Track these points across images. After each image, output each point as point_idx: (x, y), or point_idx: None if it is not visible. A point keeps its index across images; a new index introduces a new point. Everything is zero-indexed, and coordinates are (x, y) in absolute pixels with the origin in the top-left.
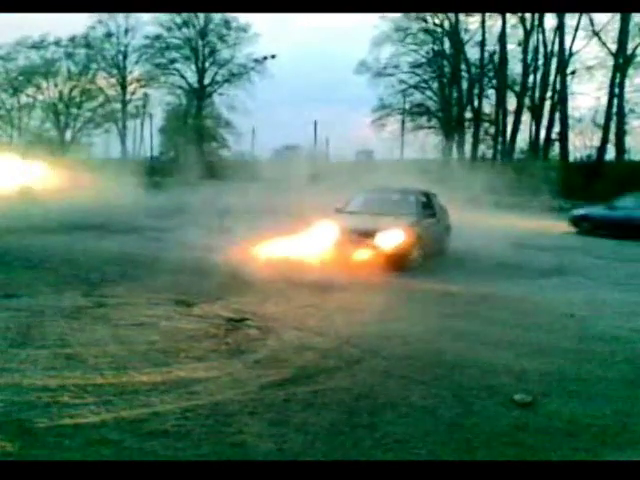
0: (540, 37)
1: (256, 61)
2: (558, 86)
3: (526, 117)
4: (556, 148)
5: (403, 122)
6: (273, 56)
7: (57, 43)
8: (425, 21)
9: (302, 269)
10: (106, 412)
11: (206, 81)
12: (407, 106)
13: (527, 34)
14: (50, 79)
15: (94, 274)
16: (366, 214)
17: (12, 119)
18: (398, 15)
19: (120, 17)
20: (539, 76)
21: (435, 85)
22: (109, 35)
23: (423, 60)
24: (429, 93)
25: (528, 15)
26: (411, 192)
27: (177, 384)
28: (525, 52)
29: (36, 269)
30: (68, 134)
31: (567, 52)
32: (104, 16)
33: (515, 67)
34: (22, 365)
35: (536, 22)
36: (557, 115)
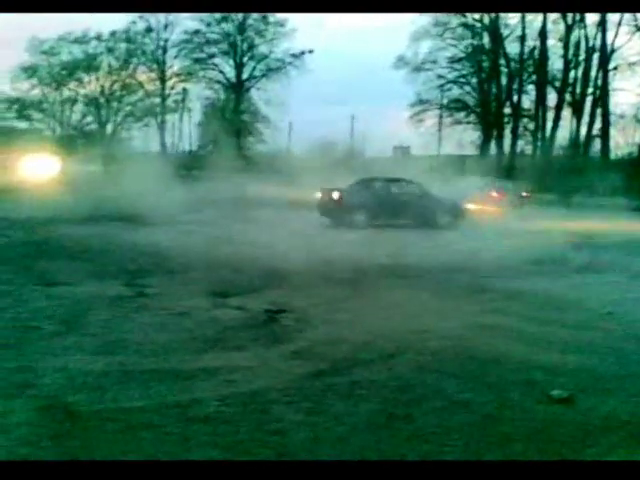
0: (582, 32)
1: (293, 56)
2: (599, 82)
3: (566, 113)
4: (597, 145)
5: (441, 117)
6: (311, 51)
7: (99, 38)
8: (464, 16)
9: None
10: (148, 397)
11: (244, 76)
12: (445, 101)
13: (568, 29)
14: (92, 73)
15: (132, 265)
16: None
17: (55, 113)
18: None
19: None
20: (580, 72)
21: (474, 80)
22: (149, 30)
23: (462, 55)
24: (467, 88)
25: None
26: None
27: (216, 372)
28: (566, 48)
29: (75, 259)
30: (109, 128)
31: (609, 48)
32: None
33: (556, 63)
34: (67, 350)
35: (577, 17)
36: (598, 111)
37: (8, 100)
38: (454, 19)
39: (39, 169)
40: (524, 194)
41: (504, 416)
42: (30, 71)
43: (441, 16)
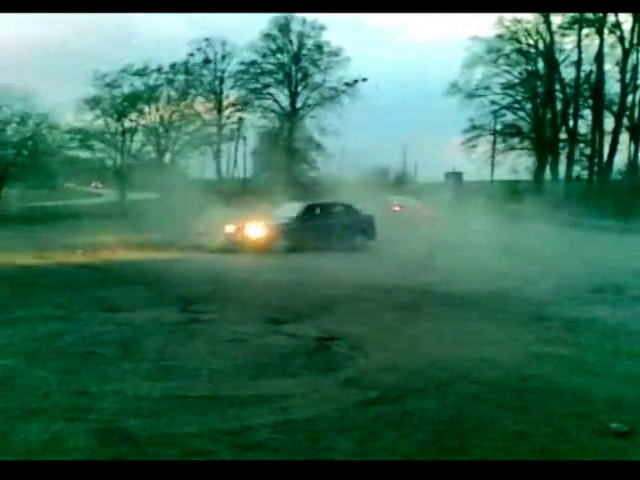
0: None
1: (347, 84)
2: None
3: (624, 137)
4: None
5: (494, 143)
6: (364, 79)
7: (159, 70)
8: (519, 42)
9: None
10: (202, 423)
11: (298, 104)
12: (498, 127)
13: (626, 53)
14: (152, 104)
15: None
16: None
17: (116, 143)
18: (490, 36)
19: (217, 44)
20: (638, 96)
21: (528, 106)
22: (207, 62)
23: (516, 81)
24: (522, 114)
25: (627, 34)
26: None
27: (269, 399)
28: (623, 71)
29: (132, 285)
30: (167, 156)
31: None
32: (202, 44)
33: (612, 87)
34: (125, 375)
35: (635, 41)
36: None
37: (72, 130)
38: (508, 45)
39: None
40: (425, 212)
41: (561, 449)
42: (93, 103)
43: (494, 42)
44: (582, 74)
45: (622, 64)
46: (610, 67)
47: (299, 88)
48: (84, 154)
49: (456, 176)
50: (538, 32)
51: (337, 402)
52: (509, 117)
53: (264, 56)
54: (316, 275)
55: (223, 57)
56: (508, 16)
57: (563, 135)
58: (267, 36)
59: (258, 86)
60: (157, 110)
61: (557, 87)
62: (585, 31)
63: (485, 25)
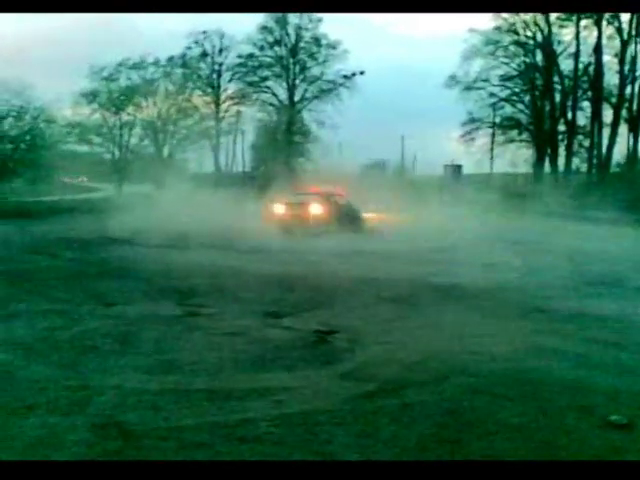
0: (638, 48)
1: (345, 77)
2: None
3: (623, 129)
4: None
5: (493, 136)
6: (362, 72)
7: (156, 63)
8: (517, 34)
9: None
10: (200, 417)
11: (296, 98)
12: (497, 119)
13: (624, 45)
14: (149, 98)
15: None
16: None
17: (114, 137)
18: (488, 28)
19: (215, 37)
20: (637, 87)
21: (527, 98)
22: (204, 55)
23: (514, 73)
24: (520, 106)
25: (625, 25)
26: None
27: (267, 392)
28: (622, 63)
29: (131, 279)
30: (165, 150)
31: None
32: (200, 37)
33: (611, 78)
34: (123, 369)
35: (633, 33)
36: None
37: (70, 125)
38: (506, 37)
39: None
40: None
41: (559, 442)
42: (90, 97)
43: (493, 34)
44: (580, 66)
45: (620, 55)
46: (609, 59)
47: (297, 81)
48: (81, 148)
49: (455, 168)
50: (536, 24)
51: (336, 396)
52: (508, 109)
53: (261, 49)
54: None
55: (220, 50)
56: None
57: (562, 127)
58: (264, 29)
59: (256, 79)
60: (155, 104)
61: (556, 79)
62: (583, 23)
63: (483, 18)
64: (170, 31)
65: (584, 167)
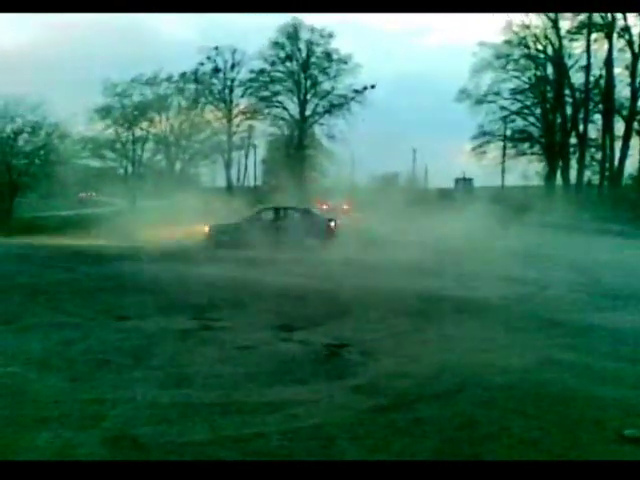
0: None
1: (356, 91)
2: None
3: (635, 142)
4: None
5: (504, 149)
6: (373, 86)
7: (169, 79)
8: (527, 47)
9: None
10: (212, 431)
11: (307, 112)
12: (508, 132)
13: (635, 57)
14: (162, 113)
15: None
16: None
17: (127, 152)
18: (499, 42)
19: (227, 53)
20: None
21: (538, 111)
22: (217, 70)
23: (525, 86)
24: (531, 119)
25: (636, 38)
26: None
27: (279, 406)
28: (633, 76)
29: (145, 293)
30: (177, 165)
31: None
32: (212, 52)
33: (623, 91)
34: (136, 383)
35: None
36: None
37: (83, 140)
38: (517, 50)
39: None
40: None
41: (573, 456)
42: (104, 112)
43: (503, 48)
44: (591, 79)
45: (632, 68)
46: (620, 71)
47: (308, 96)
48: (95, 163)
49: (466, 182)
50: (547, 37)
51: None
52: (519, 122)
53: (273, 64)
54: None
55: (232, 66)
56: (516, 21)
57: (573, 140)
58: (276, 44)
59: (267, 94)
60: (167, 119)
61: (567, 92)
62: (594, 36)
63: (493, 31)
64: (183, 47)
65: (596, 179)
